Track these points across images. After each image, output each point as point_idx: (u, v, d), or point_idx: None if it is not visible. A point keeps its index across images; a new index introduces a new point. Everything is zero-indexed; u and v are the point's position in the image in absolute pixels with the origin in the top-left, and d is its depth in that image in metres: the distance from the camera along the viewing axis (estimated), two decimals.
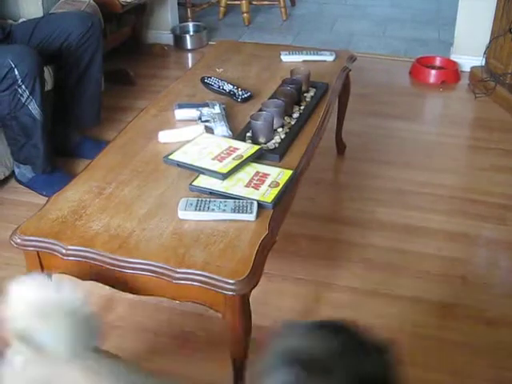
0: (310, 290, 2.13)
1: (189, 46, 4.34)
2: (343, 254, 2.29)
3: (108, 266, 1.44)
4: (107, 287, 1.56)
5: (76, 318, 1.15)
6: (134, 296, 1.76)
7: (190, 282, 1.38)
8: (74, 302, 1.17)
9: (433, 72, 3.79)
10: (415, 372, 1.81)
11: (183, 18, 4.57)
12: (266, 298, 2.06)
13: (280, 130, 1.94)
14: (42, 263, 1.54)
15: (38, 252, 1.52)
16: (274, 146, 1.86)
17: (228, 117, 2.03)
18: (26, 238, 1.50)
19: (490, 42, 3.56)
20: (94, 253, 1.45)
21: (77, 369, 1.13)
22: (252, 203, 1.55)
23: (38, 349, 1.11)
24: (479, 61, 3.64)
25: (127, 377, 1.19)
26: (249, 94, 2.20)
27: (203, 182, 1.66)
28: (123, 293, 1.60)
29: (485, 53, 3.59)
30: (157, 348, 1.91)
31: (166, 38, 4.37)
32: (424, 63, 3.87)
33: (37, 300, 1.15)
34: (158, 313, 2.02)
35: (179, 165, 1.74)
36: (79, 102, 2.84)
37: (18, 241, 1.51)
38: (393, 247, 2.32)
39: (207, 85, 2.28)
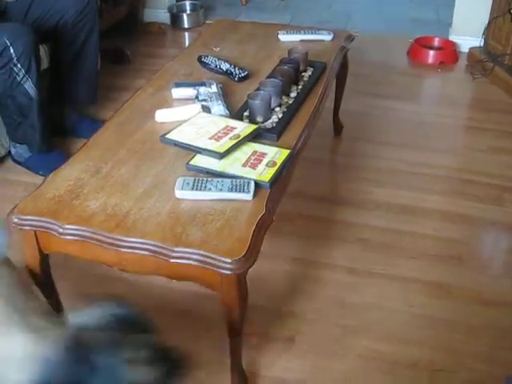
0: (307, 269, 2.14)
1: (186, 25, 4.32)
2: (339, 234, 2.30)
3: (105, 245, 1.44)
4: (104, 266, 1.56)
5: None
6: (131, 275, 1.77)
7: (186, 261, 1.38)
8: None
9: (431, 52, 3.78)
10: (411, 351, 1.83)
11: None
12: (263, 277, 2.06)
13: (277, 109, 1.93)
14: (39, 242, 1.54)
15: (35, 231, 1.51)
16: (271, 126, 1.85)
17: (225, 96, 2.02)
18: (23, 217, 1.50)
19: (489, 22, 3.54)
20: (91, 232, 1.45)
21: None
22: (249, 183, 1.54)
23: None
24: (478, 41, 3.63)
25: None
26: (246, 73, 2.19)
27: (200, 161, 1.65)
28: (120, 271, 1.60)
29: (483, 33, 3.58)
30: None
31: (163, 16, 4.35)
32: (422, 43, 3.86)
33: None
34: (154, 291, 2.02)
35: (176, 144, 1.74)
36: (75, 80, 2.83)
37: (15, 220, 1.50)
38: (389, 227, 2.33)
39: (204, 64, 2.27)
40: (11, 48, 2.32)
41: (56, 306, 1.75)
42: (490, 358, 1.80)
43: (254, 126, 1.78)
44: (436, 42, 3.93)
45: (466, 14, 3.80)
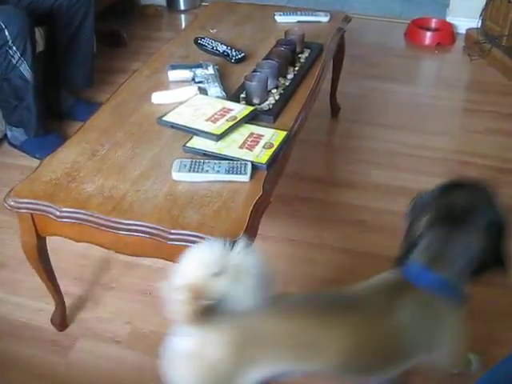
0: (304, 251, 2.14)
1: (182, 7, 4.30)
2: (337, 215, 2.30)
3: (102, 228, 1.44)
4: (102, 249, 1.56)
5: (258, 272, 1.17)
6: (129, 257, 1.77)
7: (184, 243, 1.38)
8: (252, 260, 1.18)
9: (428, 34, 3.76)
10: None
11: None
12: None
13: (274, 91, 1.93)
14: (36, 225, 1.54)
15: (31, 214, 1.51)
16: (268, 107, 1.84)
17: (222, 78, 2.02)
18: (20, 200, 1.50)
19: (487, 3, 3.52)
20: (88, 214, 1.45)
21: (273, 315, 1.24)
22: (246, 164, 1.54)
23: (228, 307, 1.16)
24: (475, 23, 3.61)
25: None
26: (243, 54, 2.18)
27: (197, 143, 1.65)
28: (118, 254, 1.61)
29: (481, 15, 3.56)
30: (151, 309, 1.92)
31: None
32: (419, 25, 3.84)
33: (221, 261, 1.15)
34: (152, 274, 2.03)
35: (173, 126, 1.73)
36: (71, 63, 2.81)
37: (12, 203, 1.50)
38: (387, 209, 2.33)
39: (201, 46, 2.26)
40: (6, 31, 2.31)
41: (54, 289, 1.76)
42: (487, 339, 1.81)
43: (250, 108, 1.78)
44: (433, 24, 3.91)
45: None
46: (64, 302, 1.82)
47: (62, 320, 1.84)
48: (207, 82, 1.95)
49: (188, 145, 1.64)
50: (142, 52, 3.58)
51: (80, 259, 2.10)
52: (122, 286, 2.00)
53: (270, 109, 1.84)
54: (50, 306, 1.84)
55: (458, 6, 3.85)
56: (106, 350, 1.79)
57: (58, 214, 1.46)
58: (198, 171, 1.53)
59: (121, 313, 1.91)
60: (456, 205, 1.34)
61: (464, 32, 3.78)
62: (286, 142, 1.67)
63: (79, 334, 1.84)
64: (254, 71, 1.93)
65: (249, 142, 1.64)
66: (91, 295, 1.97)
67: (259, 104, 1.84)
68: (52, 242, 1.64)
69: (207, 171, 1.53)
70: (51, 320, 1.85)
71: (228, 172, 1.52)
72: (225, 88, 1.94)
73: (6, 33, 2.31)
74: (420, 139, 2.78)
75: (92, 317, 1.90)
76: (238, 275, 1.13)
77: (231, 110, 1.76)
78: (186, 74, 2.02)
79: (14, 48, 2.35)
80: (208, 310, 1.15)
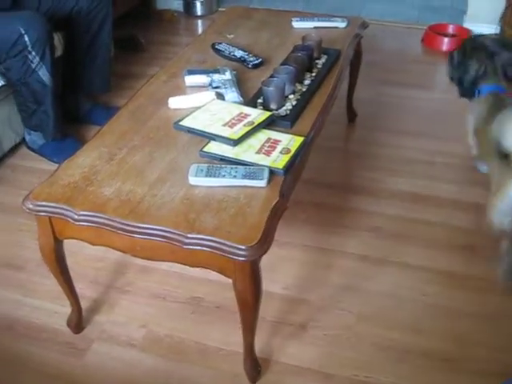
0: (320, 257, 2.14)
1: (199, 13, 4.33)
2: (353, 222, 2.30)
3: (119, 232, 1.44)
4: (118, 252, 1.57)
5: None
6: (145, 261, 1.77)
7: (200, 248, 1.38)
8: None
9: (445, 40, 3.75)
10: (424, 340, 1.82)
11: None
12: (276, 264, 2.07)
13: (291, 96, 1.93)
14: (53, 228, 1.55)
15: (49, 217, 1.52)
16: (285, 113, 1.85)
17: (239, 83, 2.02)
18: (38, 203, 1.51)
19: (505, 9, 3.51)
20: (106, 218, 1.46)
21: None
22: (263, 169, 1.54)
23: None
24: (493, 29, 3.60)
25: None
26: (260, 60, 2.18)
27: (214, 148, 1.65)
28: (134, 258, 1.61)
29: (499, 20, 3.54)
30: (167, 313, 1.92)
31: (177, 4, 4.35)
32: (437, 31, 3.83)
33: None
34: (168, 278, 2.03)
35: (190, 131, 1.74)
36: (89, 68, 2.83)
37: (30, 206, 1.51)
38: (402, 216, 2.32)
39: (218, 51, 2.27)
40: (26, 36, 2.33)
41: (70, 292, 1.77)
42: (504, 349, 1.80)
43: (267, 113, 1.78)
44: (450, 29, 3.90)
45: (481, 0, 3.76)
46: (80, 305, 1.83)
47: (77, 323, 1.85)
48: (224, 87, 1.95)
49: (205, 150, 1.65)
50: (159, 57, 3.60)
51: (96, 262, 2.11)
52: (137, 290, 2.01)
53: (287, 114, 1.84)
54: (66, 309, 1.85)
55: (475, 12, 3.83)
56: (121, 353, 1.80)
57: (75, 217, 1.47)
58: (214, 176, 1.53)
59: (136, 316, 1.92)
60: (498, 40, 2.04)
61: None
62: (303, 148, 1.67)
63: (95, 337, 1.85)
64: (271, 77, 1.94)
65: (266, 148, 1.65)
66: (107, 298, 1.98)
67: (276, 109, 1.85)
68: (68, 245, 1.65)
69: (224, 176, 1.53)
70: (67, 322, 1.86)
71: (245, 177, 1.52)
72: (242, 93, 1.95)
73: (26, 38, 2.33)
74: (437, 145, 2.77)
75: (107, 320, 1.90)
76: None
77: (248, 115, 1.77)
78: (203, 79, 2.02)
79: (34, 53, 2.37)
80: None
